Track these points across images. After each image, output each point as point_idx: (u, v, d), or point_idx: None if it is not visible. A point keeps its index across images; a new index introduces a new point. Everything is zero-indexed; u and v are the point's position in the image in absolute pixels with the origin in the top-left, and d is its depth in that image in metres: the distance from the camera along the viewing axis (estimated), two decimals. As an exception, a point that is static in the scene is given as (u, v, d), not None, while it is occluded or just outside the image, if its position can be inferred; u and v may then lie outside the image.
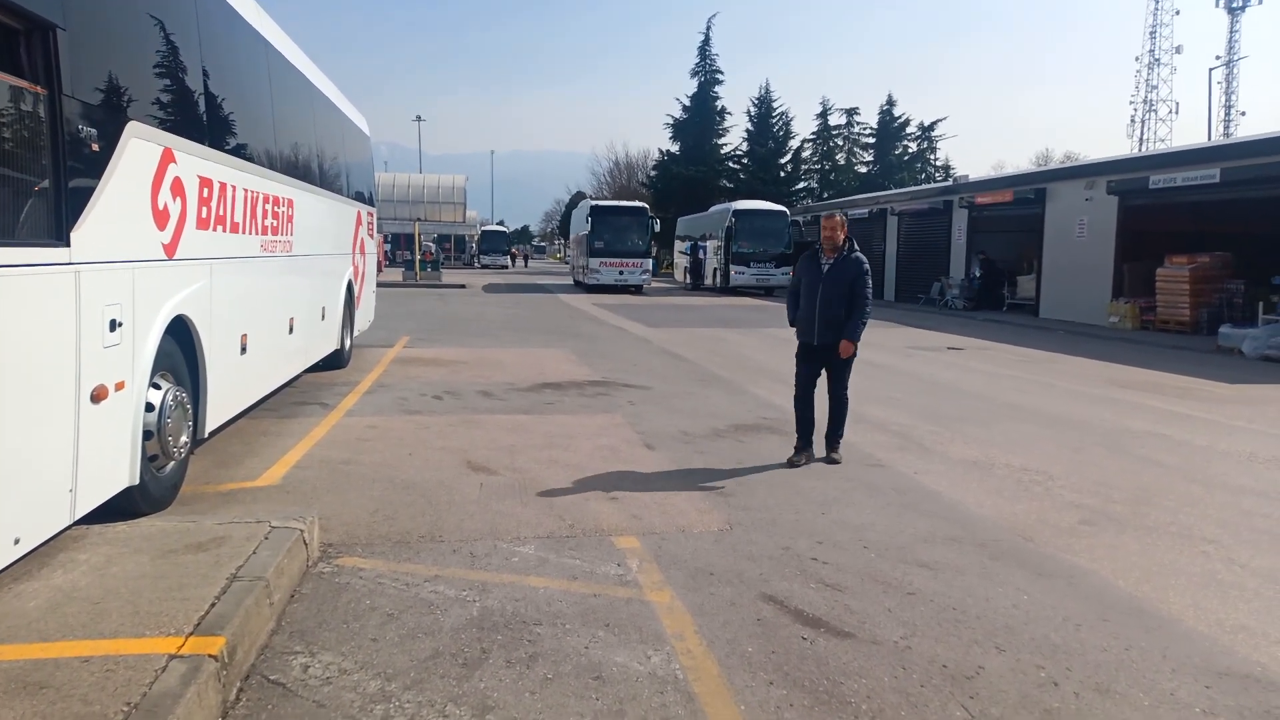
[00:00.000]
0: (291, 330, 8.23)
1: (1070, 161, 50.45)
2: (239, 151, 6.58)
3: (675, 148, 55.04)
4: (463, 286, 34.47)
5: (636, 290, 33.26)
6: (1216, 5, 70.41)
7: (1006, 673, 3.51)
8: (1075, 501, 6.04)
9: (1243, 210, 19.71)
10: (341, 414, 8.35)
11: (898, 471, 6.75)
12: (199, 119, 5.80)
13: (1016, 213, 26.41)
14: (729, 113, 55.09)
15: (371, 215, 13.61)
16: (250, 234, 6.85)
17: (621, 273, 32.71)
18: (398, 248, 56.61)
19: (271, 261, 7.53)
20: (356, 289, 11.86)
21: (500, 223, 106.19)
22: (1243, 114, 70.85)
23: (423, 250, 40.57)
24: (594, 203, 36.47)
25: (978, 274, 27.63)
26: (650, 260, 33.90)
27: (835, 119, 56.67)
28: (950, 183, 33.26)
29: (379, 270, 17.45)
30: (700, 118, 53.88)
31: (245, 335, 6.60)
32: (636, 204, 37.24)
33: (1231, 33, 70.79)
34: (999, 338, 18.43)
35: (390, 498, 5.62)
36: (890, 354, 14.84)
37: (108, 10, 4.56)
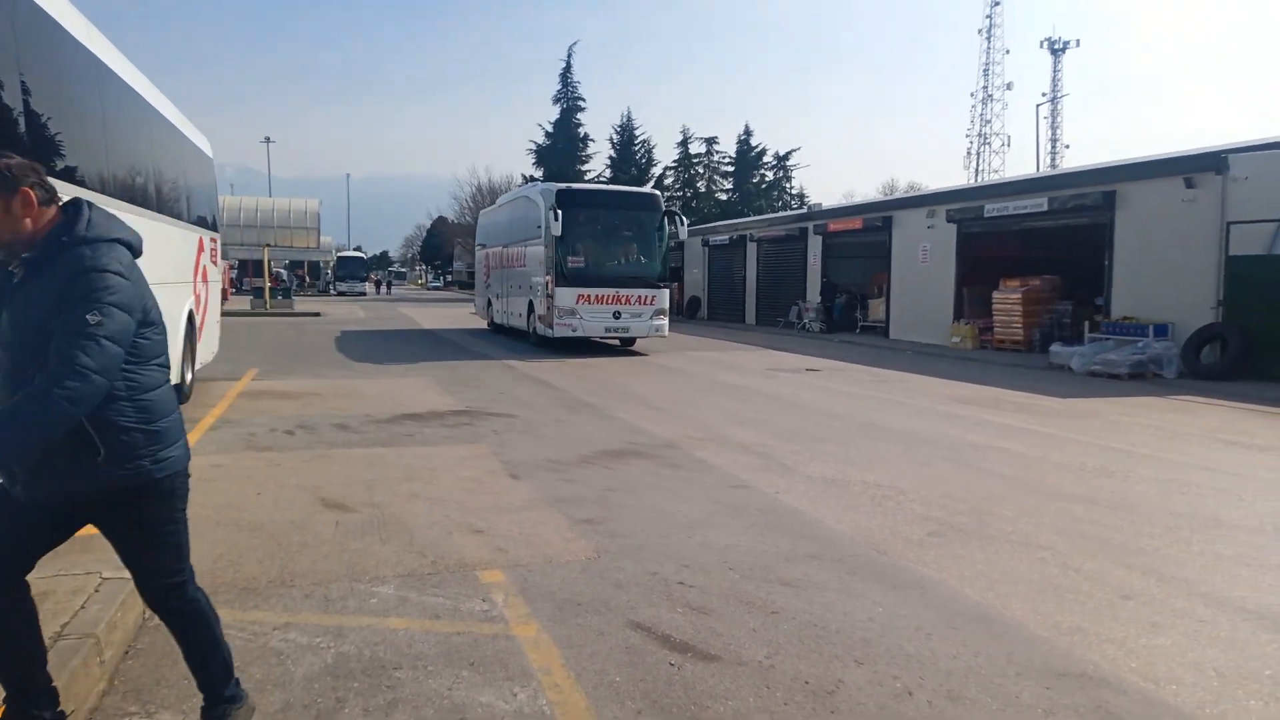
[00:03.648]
0: (126, 364, 7.68)
1: (913, 191, 53.59)
2: (66, 175, 6.12)
3: (539, 173, 55.10)
4: (317, 315, 32.99)
5: (630, 342, 20.06)
6: (1041, 46, 76.60)
7: (865, 685, 3.62)
8: (924, 514, 6.32)
9: (1068, 236, 21.37)
10: (184, 453, 7.83)
11: (760, 491, 6.89)
12: (19, 138, 5.37)
13: (866, 239, 27.73)
14: (592, 139, 55.72)
15: (215, 241, 12.94)
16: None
17: (618, 315, 18.27)
18: (245, 274, 54.07)
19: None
20: (198, 319, 11.21)
21: (358, 248, 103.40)
22: (1067, 147, 77.11)
23: (271, 277, 38.61)
24: (561, 187, 19.14)
25: (841, 299, 28.85)
26: (666, 293, 19.28)
27: (696, 147, 58.17)
28: (805, 210, 34.61)
29: (224, 298, 16.60)
30: (563, 144, 54.23)
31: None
32: (641, 190, 22.42)
33: (1055, 72, 77.09)
34: (853, 359, 19.23)
35: (236, 541, 5.29)
36: (751, 376, 15.23)
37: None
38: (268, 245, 41.02)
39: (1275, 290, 14.80)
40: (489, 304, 25.51)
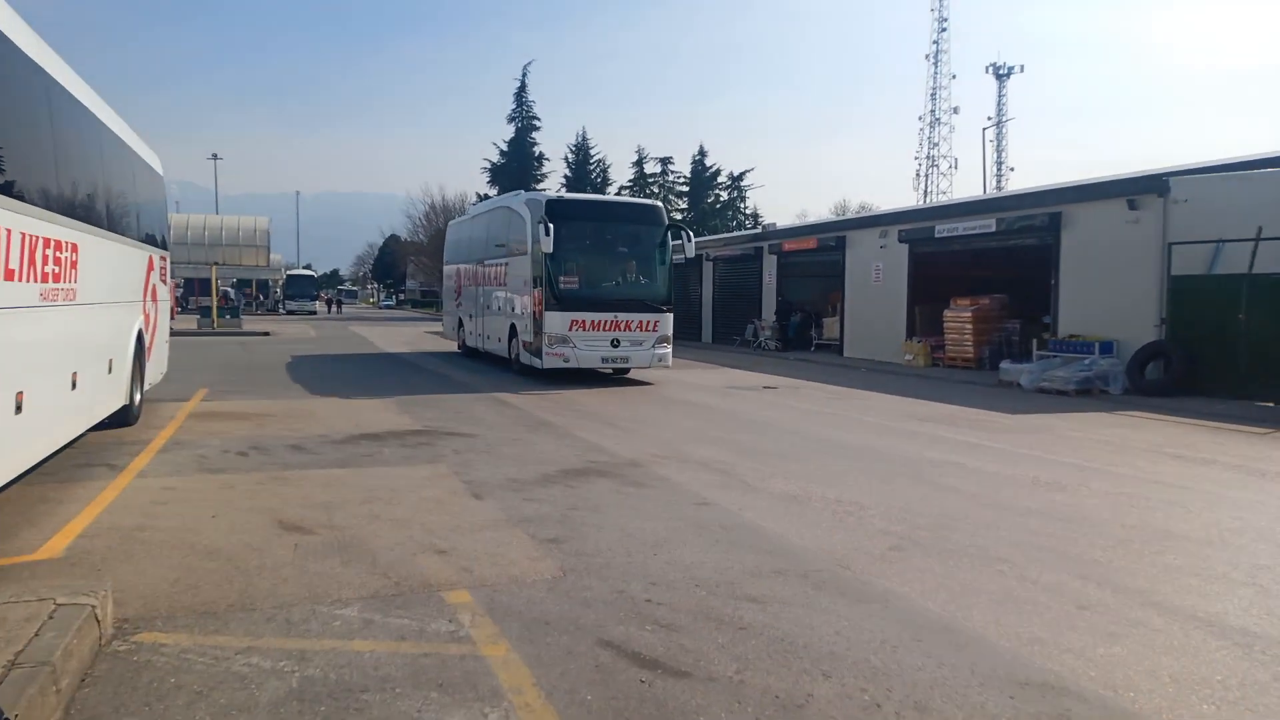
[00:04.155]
0: (75, 386, 7.48)
1: (865, 211, 54.53)
2: (11, 190, 5.97)
3: (493, 191, 54.97)
4: (267, 334, 32.43)
5: (623, 371, 17.92)
6: (986, 71, 78.58)
7: (834, 698, 3.65)
8: (885, 529, 6.40)
9: (1016, 256, 21.90)
10: (132, 476, 7.64)
11: (724, 509, 6.92)
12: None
13: (821, 259, 28.11)
14: (547, 159, 55.85)
15: (165, 259, 12.68)
16: (28, 281, 6.20)
17: (616, 343, 16.11)
18: (191, 293, 53.02)
19: (52, 311, 6.84)
20: (148, 339, 10.96)
21: (307, 266, 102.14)
22: (1012, 170, 79.20)
23: (219, 295, 37.85)
24: (552, 197, 17.35)
25: (796, 318, 29.16)
26: (670, 317, 16.84)
27: (651, 167, 58.57)
28: (760, 230, 34.98)
29: (172, 317, 16.25)
30: (518, 163, 54.26)
31: (21, 393, 5.93)
32: (642, 201, 20.13)
33: (1000, 96, 79.05)
34: (809, 376, 19.43)
35: (193, 565, 5.17)
36: (711, 394, 15.31)
37: None
38: (216, 264, 40.27)
39: (1215, 309, 15.30)
40: (459, 325, 23.23)
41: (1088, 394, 16.04)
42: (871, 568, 5.47)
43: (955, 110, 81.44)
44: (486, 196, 55.08)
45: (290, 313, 59.54)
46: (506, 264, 18.49)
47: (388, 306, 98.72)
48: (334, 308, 73.48)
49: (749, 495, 7.43)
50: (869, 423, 12.21)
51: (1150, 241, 16.90)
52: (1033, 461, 9.33)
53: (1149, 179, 17.70)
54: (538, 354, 16.20)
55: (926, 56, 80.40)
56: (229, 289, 49.68)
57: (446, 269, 25.72)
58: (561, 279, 15.95)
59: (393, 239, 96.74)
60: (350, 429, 10.42)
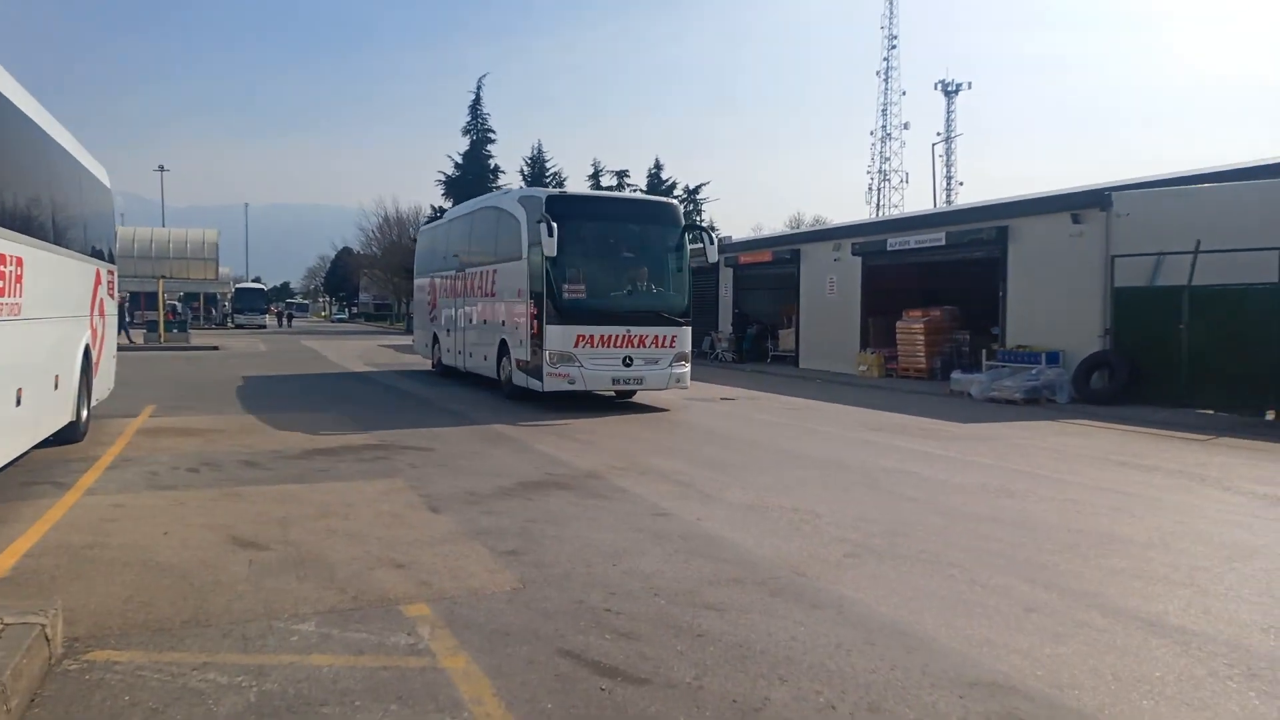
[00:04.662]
0: (19, 403, 7.32)
1: (819, 224, 55.22)
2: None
3: (448, 204, 54.60)
4: (215, 349, 31.84)
5: (627, 395, 15.69)
6: (935, 88, 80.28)
7: (790, 701, 3.72)
8: (840, 537, 6.51)
9: (966, 269, 22.36)
10: (80, 493, 7.49)
11: (682, 519, 6.98)
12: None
13: (776, 271, 28.41)
14: (502, 171, 55.54)
15: (112, 273, 12.45)
16: (-31, 294, 6.08)
17: (629, 361, 14.08)
18: (137, 307, 51.92)
19: (-5, 325, 6.70)
20: (95, 354, 10.75)
21: (256, 279, 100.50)
22: (960, 184, 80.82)
23: (166, 309, 37.08)
24: (554, 193, 14.92)
25: (752, 330, 29.40)
26: (689, 331, 15.01)
27: (607, 180, 58.62)
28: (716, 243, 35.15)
29: (119, 333, 15.94)
30: (473, 175, 53.91)
31: (-38, 408, 5.80)
32: (656, 198, 18.39)
33: (949, 112, 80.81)
34: (766, 388, 19.62)
35: (145, 582, 5.10)
36: (667, 405, 15.39)
37: None
38: (163, 277, 39.55)
39: (1156, 320, 15.77)
40: (434, 341, 21.00)
41: (1035, 403, 16.43)
42: (827, 574, 5.57)
43: (906, 126, 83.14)
44: (442, 209, 54.58)
45: (239, 326, 58.55)
46: (495, 271, 16.35)
47: (340, 320, 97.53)
48: (285, 321, 72.41)
49: (707, 505, 7.50)
50: (825, 433, 12.38)
51: (1094, 254, 17.38)
52: (982, 469, 9.55)
53: (1092, 193, 18.22)
54: (536, 374, 14.04)
55: (877, 73, 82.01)
56: (176, 303, 48.72)
57: (418, 281, 23.24)
58: (565, 287, 13.85)
59: (345, 252, 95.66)
60: (304, 444, 10.30)
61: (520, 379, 14.77)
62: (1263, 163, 18.16)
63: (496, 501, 7.49)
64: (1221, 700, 3.82)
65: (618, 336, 14.00)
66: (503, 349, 15.67)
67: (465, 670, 3.96)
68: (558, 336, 13.74)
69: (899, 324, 22.45)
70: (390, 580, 5.25)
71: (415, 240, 61.11)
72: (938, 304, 22.42)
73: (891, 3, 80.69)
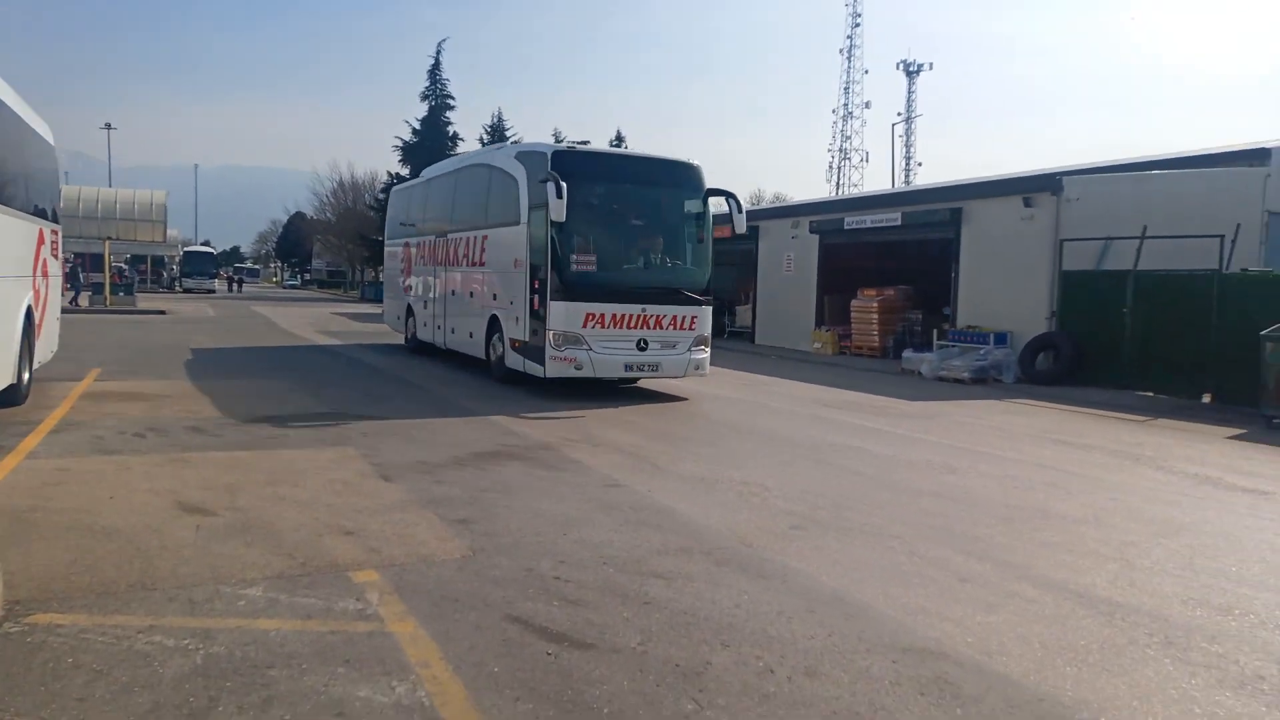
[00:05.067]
0: (-43, 362, 7.15)
1: (779, 202, 55.45)
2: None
3: (405, 171, 53.77)
4: (162, 313, 31.11)
5: (629, 381, 13.93)
6: (897, 68, 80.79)
7: (731, 666, 3.83)
8: (787, 509, 6.66)
9: (920, 249, 22.71)
10: (22, 456, 7.35)
11: (634, 490, 7.07)
12: None
13: (734, 247, 28.49)
14: (461, 139, 54.77)
15: (56, 233, 12.13)
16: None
17: (644, 345, 12.56)
18: (84, 269, 50.57)
19: (-68, 283, 6.53)
20: (37, 316, 10.49)
21: (206, 243, 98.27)
22: (919, 165, 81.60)
23: (112, 272, 36.15)
24: (561, 148, 13.18)
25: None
26: (709, 312, 13.62)
27: (568, 151, 58.10)
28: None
29: (63, 295, 15.54)
30: (431, 141, 53.10)
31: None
32: (675, 159, 13.97)
33: (910, 93, 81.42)
34: (721, 363, 19.72)
35: (89, 546, 5.05)
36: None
37: None
38: (109, 238, 38.55)
39: (1101, 303, 16.19)
40: (408, 313, 19.21)
41: (983, 382, 16.80)
42: (773, 545, 5.70)
43: (868, 105, 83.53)
44: (400, 176, 53.67)
45: (188, 291, 57.22)
46: (485, 238, 14.67)
47: (292, 286, 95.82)
48: (235, 286, 70.88)
49: (659, 477, 7.60)
50: (777, 409, 12.55)
51: (1044, 237, 17.75)
52: (929, 446, 9.78)
53: (1043, 178, 18.59)
54: (536, 357, 12.47)
55: (841, 51, 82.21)
56: (123, 265, 47.47)
57: (389, 246, 21.45)
58: (574, 258, 12.22)
59: (298, 216, 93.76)
60: (252, 410, 10.19)
61: (514, 361, 13.27)
62: (1208, 151, 18.67)
63: (449, 471, 7.50)
64: (1139, 666, 4.02)
65: (632, 316, 12.40)
66: (493, 326, 14.13)
67: (413, 635, 4.01)
68: (563, 315, 12.14)
69: (854, 302, 22.74)
70: (339, 547, 5.27)
71: (373, 207, 59.15)
72: (893, 283, 22.75)
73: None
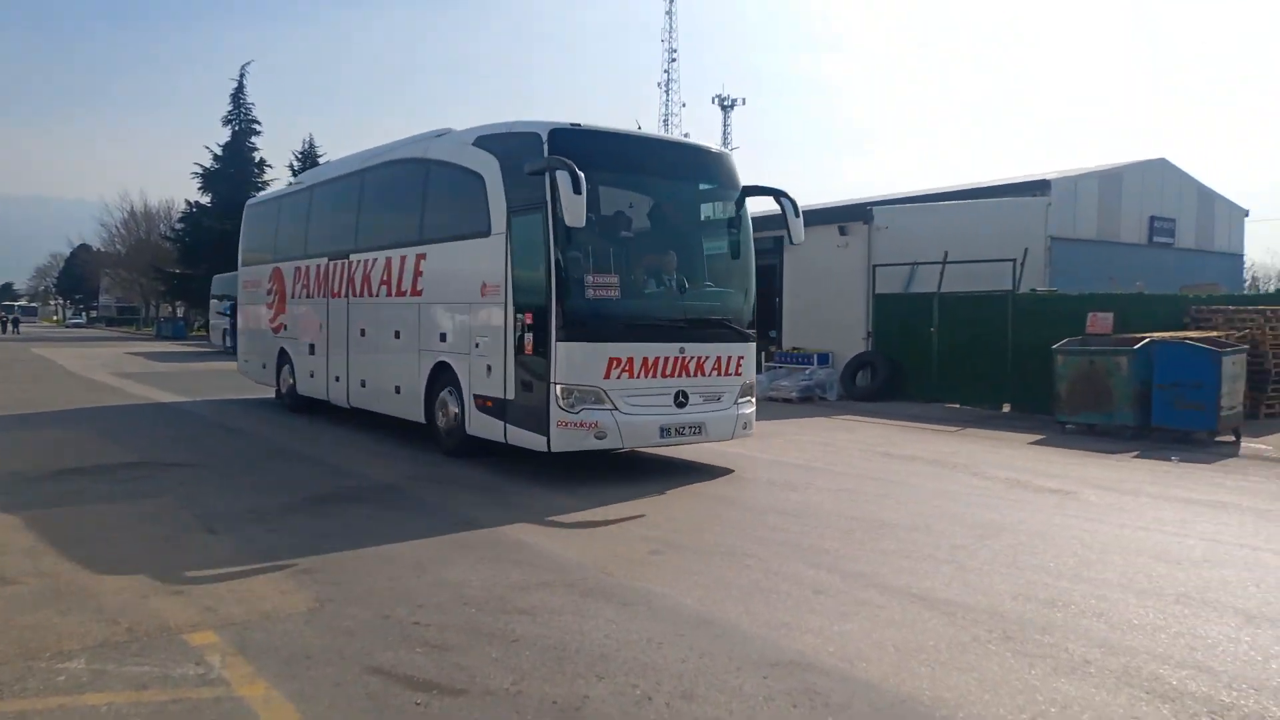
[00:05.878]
0: None
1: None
2: None
3: (206, 199, 50.55)
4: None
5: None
6: (713, 103, 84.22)
7: (608, 697, 3.79)
8: (644, 535, 6.69)
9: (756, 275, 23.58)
10: None
11: (488, 526, 6.89)
12: None
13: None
14: (269, 165, 52.13)
15: None
16: None
17: (683, 399, 8.91)
18: None
19: None
20: None
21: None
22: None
23: None
24: (564, 126, 8.60)
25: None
26: (754, 350, 9.82)
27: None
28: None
29: None
30: (235, 168, 50.24)
31: None
32: (700, 144, 10.51)
33: (725, 126, 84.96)
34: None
35: None
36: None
37: None
38: None
39: (911, 323, 17.39)
40: (285, 362, 14.70)
41: (809, 401, 17.61)
42: (633, 572, 5.71)
43: (686, 136, 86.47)
44: (198, 205, 50.37)
45: (-46, 333, 51.28)
46: (422, 258, 10.81)
47: (76, 324, 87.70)
48: (10, 327, 63.96)
49: (511, 511, 7.45)
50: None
51: (858, 264, 18.91)
52: (766, 464, 10.12)
53: (856, 208, 19.83)
54: (531, 423, 8.69)
55: (659, 84, 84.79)
56: None
57: (246, 271, 16.69)
58: (591, 281, 8.66)
59: (83, 249, 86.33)
60: (49, 463, 9.21)
61: (484, 427, 9.41)
62: (1000, 182, 20.53)
63: (282, 518, 7.05)
64: (984, 662, 4.29)
65: (669, 360, 8.93)
66: (440, 377, 10.26)
67: (266, 697, 3.72)
68: (578, 360, 8.47)
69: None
70: (169, 608, 4.82)
71: (169, 237, 54.75)
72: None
73: (671, 16, 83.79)
